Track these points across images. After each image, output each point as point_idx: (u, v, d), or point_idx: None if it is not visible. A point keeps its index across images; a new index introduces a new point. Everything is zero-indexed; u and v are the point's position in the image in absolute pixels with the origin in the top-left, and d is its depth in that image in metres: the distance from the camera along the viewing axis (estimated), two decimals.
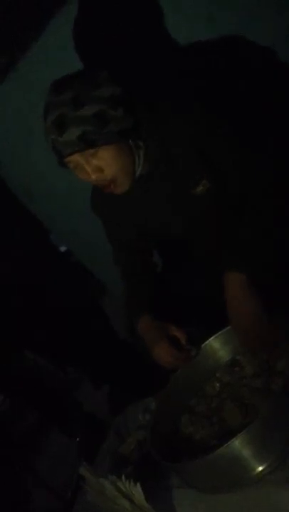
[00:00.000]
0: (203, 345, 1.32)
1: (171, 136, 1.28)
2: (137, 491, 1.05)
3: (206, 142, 1.26)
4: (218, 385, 1.27)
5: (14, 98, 2.07)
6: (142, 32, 1.68)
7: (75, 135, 1.17)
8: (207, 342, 1.32)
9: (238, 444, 0.98)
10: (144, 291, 1.45)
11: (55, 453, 1.89)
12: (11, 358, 1.98)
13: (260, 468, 1.00)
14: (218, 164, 1.28)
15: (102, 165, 1.22)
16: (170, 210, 1.37)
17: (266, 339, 1.17)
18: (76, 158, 1.21)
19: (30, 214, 2.26)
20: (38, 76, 1.97)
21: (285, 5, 1.73)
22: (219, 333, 1.31)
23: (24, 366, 2.00)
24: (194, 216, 1.37)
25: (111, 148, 1.21)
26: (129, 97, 1.23)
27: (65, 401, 2.03)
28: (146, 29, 1.68)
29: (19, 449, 1.94)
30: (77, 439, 1.78)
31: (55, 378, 2.07)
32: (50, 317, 2.13)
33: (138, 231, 1.48)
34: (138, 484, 1.05)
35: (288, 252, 1.24)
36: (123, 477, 1.07)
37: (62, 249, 2.41)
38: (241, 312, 1.17)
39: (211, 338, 1.32)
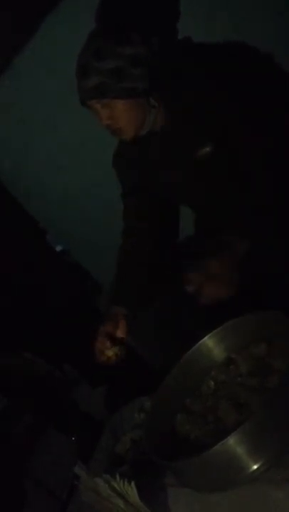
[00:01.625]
0: (198, 344, 1.32)
1: (186, 100, 1.36)
2: (132, 490, 1.05)
3: (219, 108, 1.33)
4: (213, 383, 1.27)
5: (11, 97, 2.07)
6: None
7: (92, 83, 1.30)
8: (202, 341, 1.32)
9: (233, 443, 0.97)
10: (128, 274, 1.50)
11: (51, 452, 1.88)
12: (7, 357, 1.97)
13: (255, 467, 1.00)
14: (228, 131, 1.34)
15: (113, 115, 1.34)
16: (177, 170, 1.44)
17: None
18: (93, 103, 1.34)
19: (27, 213, 2.26)
20: (35, 75, 1.97)
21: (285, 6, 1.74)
22: (214, 331, 1.30)
23: (21, 365, 2.00)
24: (198, 180, 1.43)
25: (123, 102, 1.32)
26: (152, 59, 1.33)
27: (62, 400, 2.03)
28: None
29: (16, 449, 1.93)
30: (73, 438, 1.77)
31: (52, 378, 2.06)
32: (46, 316, 2.13)
33: (148, 188, 1.54)
34: (133, 483, 1.05)
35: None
36: (117, 476, 1.07)
37: (59, 248, 2.41)
38: (220, 276, 1.22)
39: (206, 336, 1.31)
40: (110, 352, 1.39)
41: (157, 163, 1.46)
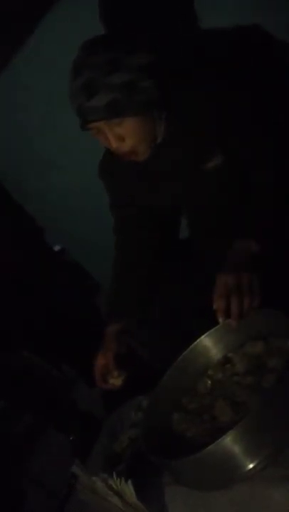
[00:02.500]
0: (194, 343, 1.32)
1: (193, 110, 1.28)
2: (129, 489, 1.05)
3: (225, 119, 1.26)
4: (209, 382, 1.27)
5: (9, 96, 2.08)
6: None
7: (103, 102, 1.15)
8: (199, 340, 1.32)
9: (229, 441, 0.98)
10: (128, 289, 1.45)
11: (49, 451, 1.88)
12: (5, 357, 1.97)
13: (252, 466, 1.00)
14: (233, 141, 1.28)
15: (125, 134, 1.22)
16: (180, 183, 1.37)
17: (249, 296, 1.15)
18: (100, 124, 1.20)
19: (25, 212, 2.26)
20: (34, 73, 1.97)
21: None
22: (211, 330, 1.31)
23: (20, 366, 2.00)
24: (203, 192, 1.36)
25: (136, 119, 1.20)
26: (160, 68, 1.22)
27: (61, 400, 2.03)
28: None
29: (14, 448, 1.93)
30: (71, 437, 1.77)
31: (51, 377, 2.06)
32: (44, 316, 2.13)
33: (145, 202, 1.46)
34: (130, 482, 1.05)
35: None
36: (115, 475, 1.07)
37: (57, 248, 2.42)
38: (238, 259, 1.17)
39: (203, 335, 1.31)
40: (119, 381, 1.36)
41: (158, 174, 1.36)
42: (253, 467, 1.00)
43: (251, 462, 1.00)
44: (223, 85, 1.28)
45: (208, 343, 1.32)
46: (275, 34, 1.49)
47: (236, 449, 0.99)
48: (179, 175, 1.36)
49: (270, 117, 1.28)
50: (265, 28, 1.49)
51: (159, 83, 1.20)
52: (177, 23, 1.52)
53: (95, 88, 1.15)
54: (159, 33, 1.45)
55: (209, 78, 1.31)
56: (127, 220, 1.50)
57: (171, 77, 1.26)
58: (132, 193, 1.45)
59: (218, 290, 1.17)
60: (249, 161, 1.30)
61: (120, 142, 1.23)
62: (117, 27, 1.52)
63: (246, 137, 1.28)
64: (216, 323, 1.26)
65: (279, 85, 1.42)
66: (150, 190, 1.43)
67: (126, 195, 1.47)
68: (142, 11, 1.50)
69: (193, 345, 1.32)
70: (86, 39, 1.23)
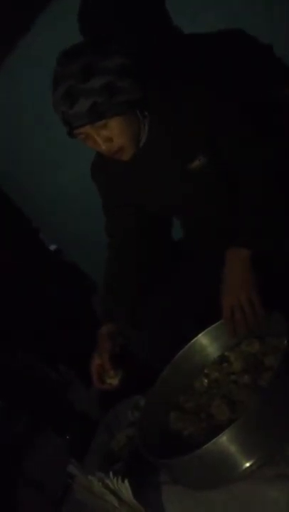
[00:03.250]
0: (191, 342, 1.32)
1: (175, 109, 1.30)
2: (125, 488, 1.05)
3: (209, 118, 1.28)
4: (206, 381, 1.27)
5: (4, 94, 2.07)
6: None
7: (85, 107, 1.18)
8: (196, 338, 1.32)
9: (226, 440, 0.98)
10: (120, 289, 1.46)
11: (46, 451, 1.88)
12: (3, 358, 1.97)
13: (248, 464, 1.00)
14: (218, 141, 1.29)
15: (112, 135, 1.24)
16: (166, 183, 1.38)
17: (250, 316, 1.17)
18: (86, 129, 1.23)
19: (21, 212, 2.26)
20: (28, 72, 1.97)
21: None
22: (208, 329, 1.31)
23: (17, 366, 2.00)
24: (189, 191, 1.37)
25: (120, 119, 1.23)
26: (137, 68, 1.24)
27: (58, 400, 2.03)
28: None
29: (10, 448, 1.93)
30: (68, 437, 1.77)
31: (47, 378, 2.06)
32: (40, 315, 2.12)
33: (135, 202, 1.47)
34: (126, 481, 1.05)
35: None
36: (111, 474, 1.07)
37: (53, 247, 2.42)
38: (234, 282, 1.19)
39: (200, 334, 1.32)
40: (116, 380, 1.35)
41: (146, 174, 1.39)
42: (250, 466, 1.01)
43: (248, 461, 1.01)
44: (201, 86, 1.30)
45: (205, 342, 1.33)
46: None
47: (232, 448, 0.99)
48: (165, 175, 1.38)
49: (252, 117, 1.29)
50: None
51: (137, 83, 1.24)
52: (152, 26, 1.53)
53: (75, 95, 1.18)
54: (136, 36, 1.46)
55: (189, 79, 1.33)
56: (119, 221, 1.52)
57: (149, 77, 1.29)
58: (123, 193, 1.47)
59: (223, 313, 1.21)
60: (235, 160, 1.30)
61: (109, 143, 1.25)
62: (96, 33, 1.54)
63: (229, 137, 1.29)
64: (210, 323, 1.27)
65: (260, 83, 1.43)
66: (140, 191, 1.44)
67: (118, 196, 1.49)
68: (119, 15, 1.51)
69: (190, 344, 1.33)
70: (62, 50, 1.24)
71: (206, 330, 1.31)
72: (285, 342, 1.09)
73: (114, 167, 1.38)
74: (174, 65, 1.43)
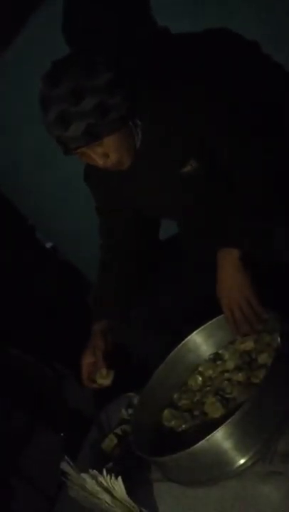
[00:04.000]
0: (185, 339, 1.32)
1: (166, 111, 1.29)
2: (119, 485, 1.04)
3: (199, 123, 1.26)
4: (200, 378, 1.27)
5: (1, 94, 2.06)
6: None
7: (79, 130, 1.17)
8: (190, 336, 1.32)
9: (219, 438, 0.98)
10: (111, 288, 1.47)
11: (39, 449, 1.88)
12: None
13: (242, 462, 1.01)
14: (209, 145, 1.29)
15: (108, 151, 1.24)
16: (160, 187, 1.38)
17: (250, 315, 1.18)
18: (82, 149, 1.22)
19: (17, 210, 2.25)
20: (24, 70, 1.96)
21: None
22: (202, 327, 1.31)
23: (10, 364, 1.99)
24: (182, 194, 1.37)
25: (115, 136, 1.22)
26: (125, 77, 1.23)
27: (51, 398, 2.02)
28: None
29: (4, 446, 1.93)
30: (62, 434, 1.77)
31: (41, 375, 2.06)
32: (35, 314, 2.12)
33: (129, 205, 1.48)
34: (119, 478, 1.05)
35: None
36: (104, 471, 1.06)
37: (48, 245, 2.41)
38: (229, 283, 1.19)
39: (194, 332, 1.32)
40: (108, 381, 1.35)
41: (139, 178, 1.38)
42: (243, 463, 1.01)
43: (241, 458, 1.01)
44: (191, 86, 1.28)
45: (199, 340, 1.33)
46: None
47: (226, 445, 0.99)
48: (159, 179, 1.38)
49: (241, 117, 1.28)
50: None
51: (126, 95, 1.22)
52: (134, 28, 1.53)
53: (68, 119, 1.17)
54: (119, 41, 1.46)
55: (178, 79, 1.31)
56: (112, 223, 1.52)
57: (138, 79, 1.27)
58: (117, 197, 1.47)
59: (225, 314, 1.23)
60: (228, 162, 1.30)
61: (105, 158, 1.25)
62: (80, 41, 1.54)
63: (219, 139, 1.28)
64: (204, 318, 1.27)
65: (250, 84, 1.42)
66: (135, 195, 1.44)
67: (110, 198, 1.49)
68: (101, 21, 1.51)
69: (183, 341, 1.33)
70: (45, 71, 1.22)
71: (200, 328, 1.31)
72: (279, 339, 1.09)
73: (107, 171, 1.36)
74: (162, 65, 1.40)
